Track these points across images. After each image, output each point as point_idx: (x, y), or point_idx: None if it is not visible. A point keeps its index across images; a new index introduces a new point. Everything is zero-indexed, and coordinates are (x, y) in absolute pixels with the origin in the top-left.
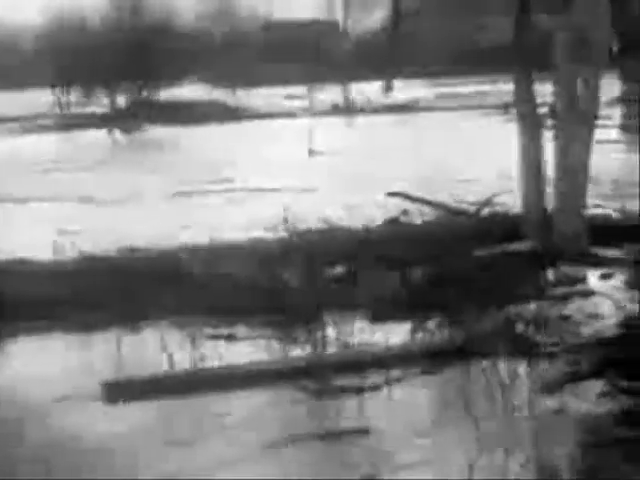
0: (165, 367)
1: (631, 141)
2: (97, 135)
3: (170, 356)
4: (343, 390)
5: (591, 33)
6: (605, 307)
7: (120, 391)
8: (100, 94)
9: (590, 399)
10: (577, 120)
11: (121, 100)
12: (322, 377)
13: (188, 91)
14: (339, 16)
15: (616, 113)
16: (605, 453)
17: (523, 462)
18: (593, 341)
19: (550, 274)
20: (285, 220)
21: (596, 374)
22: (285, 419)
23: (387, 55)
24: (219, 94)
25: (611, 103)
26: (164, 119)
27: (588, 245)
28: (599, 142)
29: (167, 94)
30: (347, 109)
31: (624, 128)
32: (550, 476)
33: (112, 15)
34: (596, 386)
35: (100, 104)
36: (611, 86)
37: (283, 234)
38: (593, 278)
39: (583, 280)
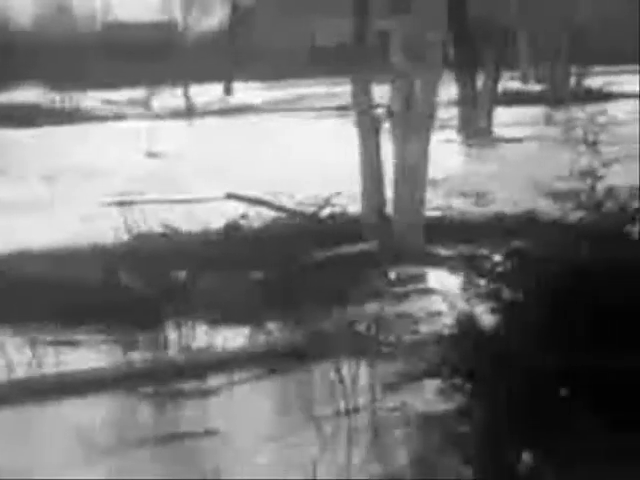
0: (4, 373)
1: (469, 142)
2: None
3: (9, 362)
4: (185, 394)
5: (428, 35)
6: (443, 306)
7: None
8: None
9: (428, 398)
10: (414, 121)
11: None
12: (164, 381)
13: (24, 93)
14: (178, 16)
15: (454, 114)
16: (443, 451)
17: (365, 461)
18: (431, 340)
19: (389, 274)
20: (125, 224)
21: (434, 373)
22: (127, 423)
23: (227, 56)
24: (55, 96)
25: (448, 104)
26: None
27: (426, 244)
28: (438, 143)
29: (2, 97)
30: (187, 111)
31: (462, 129)
32: (392, 474)
33: None
34: (434, 385)
35: None
36: (448, 88)
37: (124, 238)
38: (431, 277)
39: (422, 279)
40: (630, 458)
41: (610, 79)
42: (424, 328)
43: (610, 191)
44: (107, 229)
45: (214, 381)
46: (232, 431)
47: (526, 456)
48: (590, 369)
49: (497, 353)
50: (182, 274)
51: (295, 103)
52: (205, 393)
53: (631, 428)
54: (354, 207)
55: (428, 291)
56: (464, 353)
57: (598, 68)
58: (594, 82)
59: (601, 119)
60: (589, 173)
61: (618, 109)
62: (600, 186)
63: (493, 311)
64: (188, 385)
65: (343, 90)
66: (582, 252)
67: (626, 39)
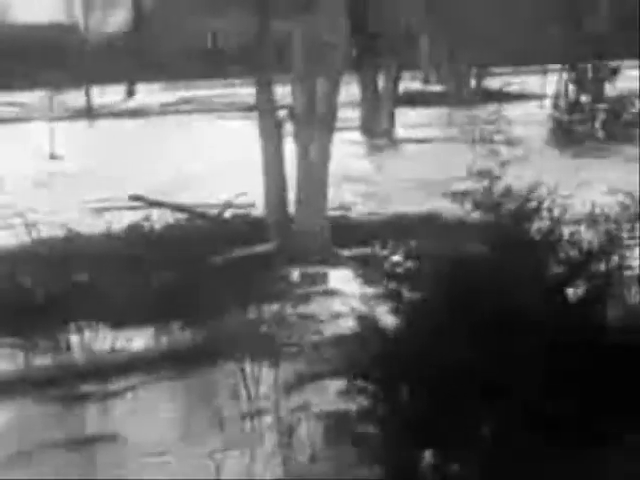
0: None
1: (370, 143)
2: None
3: None
4: (88, 397)
5: (329, 36)
6: (345, 307)
7: None
8: None
9: (331, 398)
10: (316, 122)
11: None
12: (67, 385)
13: None
14: (80, 18)
15: (356, 115)
16: (346, 451)
17: (269, 461)
18: (333, 341)
19: (292, 274)
20: (25, 225)
21: (336, 373)
22: (30, 428)
23: (129, 57)
24: None
25: (351, 105)
26: None
27: (330, 245)
28: (339, 144)
29: None
30: (89, 113)
31: (364, 130)
32: (295, 474)
33: None
34: (336, 385)
35: None
36: (350, 88)
37: (24, 240)
38: (334, 278)
39: (324, 280)
40: (534, 454)
41: (510, 80)
42: (326, 329)
43: (508, 191)
44: (6, 233)
45: (117, 384)
46: (135, 434)
47: (429, 455)
48: (491, 368)
49: (397, 353)
50: (84, 276)
51: (198, 104)
52: (108, 396)
53: (533, 425)
54: (258, 208)
55: (330, 292)
56: (365, 353)
57: (498, 69)
58: (494, 83)
59: (500, 120)
60: (487, 173)
61: (517, 110)
62: (498, 186)
63: (393, 311)
64: (91, 388)
65: (246, 91)
66: (480, 252)
67: (527, 40)
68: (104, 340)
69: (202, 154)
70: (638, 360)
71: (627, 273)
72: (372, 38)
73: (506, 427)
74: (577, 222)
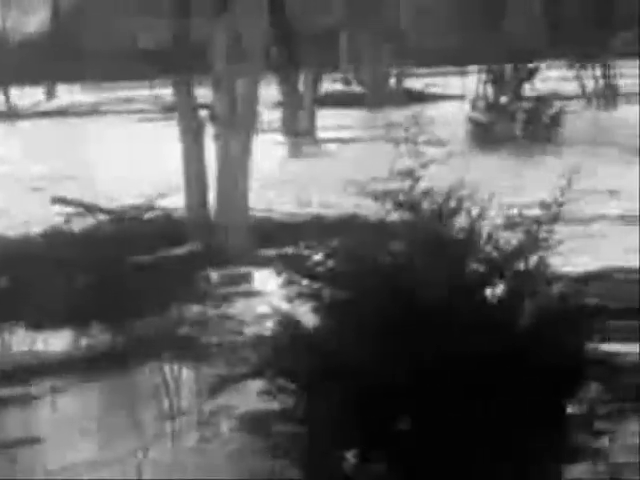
0: None
1: (291, 144)
2: None
3: None
4: (6, 400)
5: (248, 37)
6: (267, 307)
7: None
8: None
9: (252, 399)
10: (236, 123)
11: None
12: None
13: None
14: None
15: (277, 116)
16: (268, 452)
17: (189, 462)
18: (255, 341)
19: (214, 275)
20: None
21: (257, 374)
22: None
23: (49, 58)
24: None
25: (271, 106)
26: None
27: (252, 245)
28: (260, 145)
29: None
30: (8, 114)
31: (285, 131)
32: (216, 475)
33: None
34: (258, 386)
35: None
36: (271, 89)
37: None
38: (256, 278)
39: (246, 280)
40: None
41: (431, 81)
42: (248, 330)
43: (428, 192)
44: None
45: (37, 386)
46: (55, 436)
47: (351, 455)
48: (411, 367)
49: (318, 353)
50: (2, 279)
51: (119, 105)
52: (27, 398)
53: (453, 426)
54: (180, 209)
55: (252, 292)
56: (286, 354)
57: (420, 70)
58: (415, 84)
59: (421, 121)
60: (408, 174)
61: (439, 111)
62: (419, 187)
63: (314, 311)
64: (9, 391)
65: (168, 92)
66: (400, 251)
67: (448, 41)
68: (23, 342)
69: (124, 155)
70: (552, 362)
71: (547, 273)
72: (292, 38)
73: (425, 426)
74: (497, 222)
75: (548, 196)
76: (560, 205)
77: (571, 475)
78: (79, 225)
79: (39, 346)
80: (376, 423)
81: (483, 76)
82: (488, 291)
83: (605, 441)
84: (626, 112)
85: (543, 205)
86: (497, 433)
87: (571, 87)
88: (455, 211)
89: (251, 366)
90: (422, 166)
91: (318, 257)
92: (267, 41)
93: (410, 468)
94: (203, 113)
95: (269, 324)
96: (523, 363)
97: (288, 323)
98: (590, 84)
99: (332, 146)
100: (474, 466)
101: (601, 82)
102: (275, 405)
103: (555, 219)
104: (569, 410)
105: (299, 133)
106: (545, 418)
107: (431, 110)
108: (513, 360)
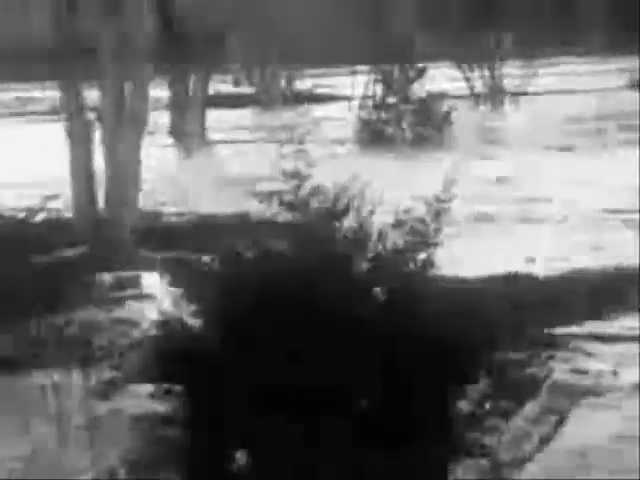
0: None
1: (180, 145)
2: None
3: None
4: None
5: (136, 37)
6: (155, 310)
7: None
8: None
9: (139, 402)
10: (125, 124)
11: None
12: None
13: None
14: None
15: (166, 118)
16: (155, 454)
17: (77, 464)
18: (142, 344)
19: (103, 278)
20: None
21: (145, 377)
22: None
23: None
24: None
25: (160, 108)
26: None
27: (141, 248)
28: (149, 146)
29: None
30: None
31: (174, 133)
32: (109, 476)
33: None
34: (145, 389)
35: None
36: (160, 90)
37: None
38: (145, 281)
39: (135, 283)
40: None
41: (320, 81)
42: (136, 332)
43: (315, 190)
44: None
45: None
46: None
47: (240, 456)
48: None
49: (203, 355)
50: None
51: (4, 107)
52: None
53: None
54: (68, 211)
55: (141, 295)
56: (172, 356)
57: (309, 70)
58: (304, 84)
59: (309, 121)
60: (295, 173)
61: (327, 111)
62: (306, 186)
63: (198, 312)
64: None
65: (50, 94)
66: (287, 251)
67: (338, 41)
68: None
69: (13, 157)
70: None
71: (433, 271)
72: (181, 39)
73: (315, 426)
74: (385, 221)
75: (432, 195)
76: (444, 202)
77: (455, 472)
78: None
79: None
80: (261, 422)
81: (372, 76)
82: (376, 290)
83: (492, 438)
84: (512, 111)
85: (427, 203)
86: (382, 430)
87: (459, 87)
88: (343, 211)
89: (139, 369)
90: (309, 166)
91: (205, 258)
92: (156, 42)
93: (300, 468)
94: (91, 115)
95: (156, 327)
96: (408, 360)
97: (173, 325)
98: (478, 84)
99: (221, 146)
100: (363, 463)
101: (488, 82)
102: (163, 407)
103: (438, 217)
104: (457, 407)
105: (188, 134)
106: (432, 414)
107: (320, 110)
108: (395, 356)
